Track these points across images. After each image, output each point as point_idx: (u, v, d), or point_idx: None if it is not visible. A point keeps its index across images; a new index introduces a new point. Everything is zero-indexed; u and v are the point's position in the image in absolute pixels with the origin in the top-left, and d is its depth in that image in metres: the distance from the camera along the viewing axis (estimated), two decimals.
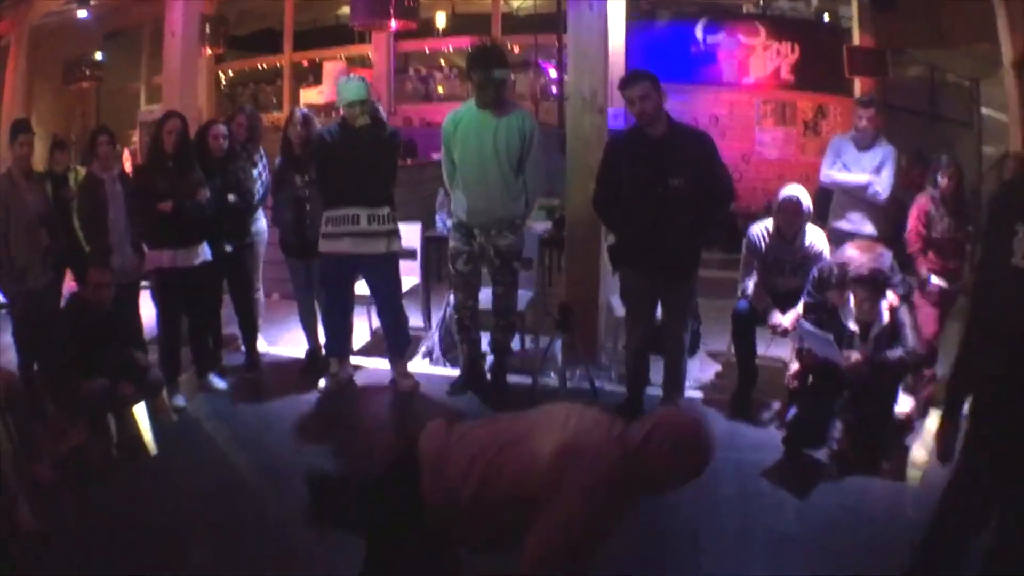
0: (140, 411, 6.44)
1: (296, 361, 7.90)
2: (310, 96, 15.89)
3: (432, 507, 3.37)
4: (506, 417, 3.74)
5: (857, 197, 7.73)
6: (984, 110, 15.11)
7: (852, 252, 6.37)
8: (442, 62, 17.12)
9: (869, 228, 7.68)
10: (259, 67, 17.68)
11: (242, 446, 6.20)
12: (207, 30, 13.00)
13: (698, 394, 7.50)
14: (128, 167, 9.08)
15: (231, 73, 17.93)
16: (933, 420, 6.82)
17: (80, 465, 5.73)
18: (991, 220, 3.61)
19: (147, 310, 7.09)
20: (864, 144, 7.73)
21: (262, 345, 7.98)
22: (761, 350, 7.44)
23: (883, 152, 7.66)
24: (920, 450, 6.52)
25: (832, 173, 7.88)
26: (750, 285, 7.18)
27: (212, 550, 4.90)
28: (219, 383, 7.23)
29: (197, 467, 5.87)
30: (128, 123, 15.39)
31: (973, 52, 14.05)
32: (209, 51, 13.82)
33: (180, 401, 6.82)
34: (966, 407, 3.91)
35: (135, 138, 15.13)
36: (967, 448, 3.78)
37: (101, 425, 6.08)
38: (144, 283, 7.01)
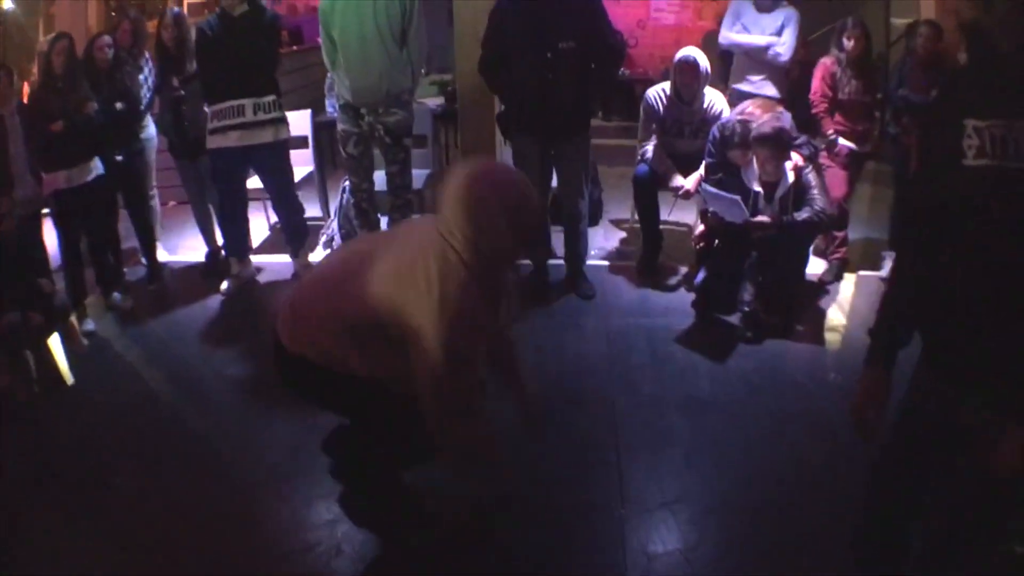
0: (53, 341, 6.26)
1: (197, 266, 7.69)
2: None
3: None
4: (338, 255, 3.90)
5: (758, 59, 7.61)
6: None
7: (752, 110, 6.27)
8: None
9: (770, 90, 7.57)
10: None
11: (154, 362, 6.02)
12: None
13: (604, 262, 7.44)
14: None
15: None
16: (848, 282, 6.86)
17: (5, 404, 5.52)
18: (934, 116, 3.19)
19: (49, 238, 6.76)
20: (764, 6, 7.58)
21: (162, 254, 7.74)
22: (664, 214, 7.41)
23: (784, 14, 7.52)
24: (836, 312, 6.55)
25: (731, 35, 7.72)
26: (649, 149, 7.06)
27: (142, 468, 4.74)
28: (123, 300, 6.97)
29: (114, 391, 5.65)
30: (29, 57, 14.87)
31: None
32: None
33: (89, 325, 6.59)
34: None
35: (34, 69, 14.62)
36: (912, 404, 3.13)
37: (20, 359, 5.89)
38: (45, 211, 6.69)
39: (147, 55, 7.29)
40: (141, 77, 7.12)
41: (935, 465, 3.00)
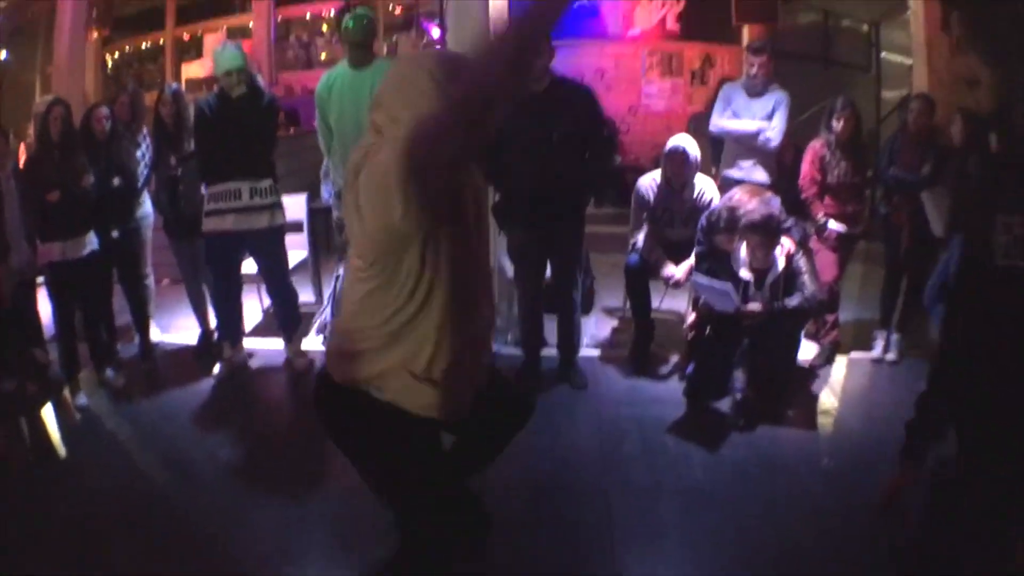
0: (47, 412, 6.29)
1: (190, 347, 7.67)
2: (192, 70, 15.60)
3: None
4: None
5: (748, 145, 7.63)
6: (883, 54, 15.23)
7: (740, 196, 6.32)
8: (324, 27, 16.75)
9: (760, 175, 7.59)
10: (143, 46, 17.17)
11: (145, 442, 5.99)
12: (94, 14, 12.65)
13: (595, 352, 7.41)
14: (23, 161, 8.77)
15: (117, 55, 17.39)
16: (840, 365, 6.86)
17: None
18: (967, 214, 3.19)
19: (44, 307, 6.79)
20: (755, 91, 7.63)
21: (155, 333, 7.75)
22: (656, 303, 7.42)
23: (775, 98, 7.56)
24: (829, 396, 6.54)
25: (722, 122, 7.78)
26: (640, 238, 7.09)
27: (133, 549, 4.68)
28: (116, 377, 6.95)
29: (107, 468, 5.62)
30: (26, 116, 15.00)
31: None
32: (96, 34, 13.46)
33: (82, 400, 6.58)
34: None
35: (30, 131, 14.75)
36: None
37: (15, 428, 5.96)
38: (40, 279, 6.73)
39: (144, 131, 7.34)
40: (138, 153, 7.17)
41: None
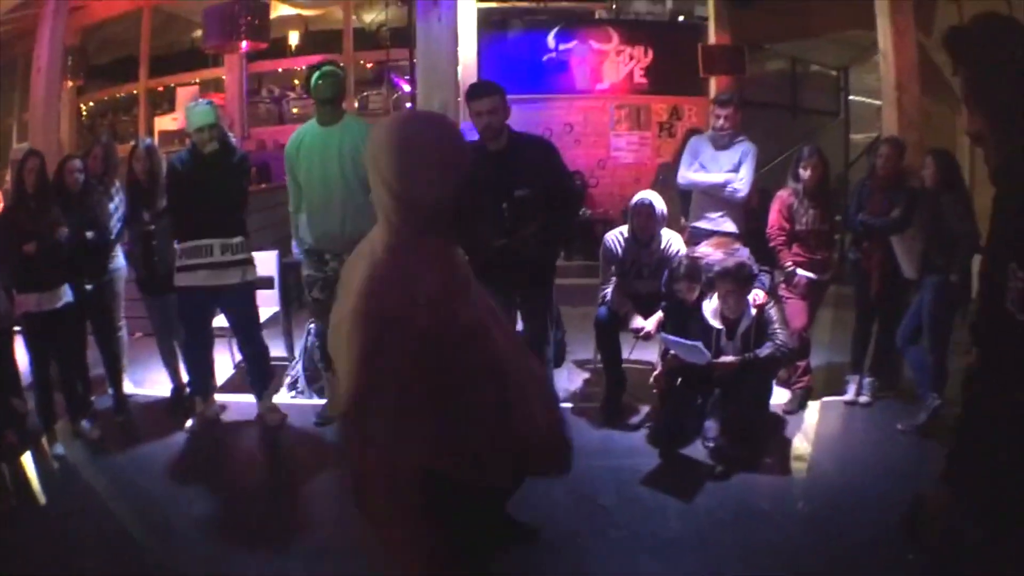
0: (27, 460, 6.30)
1: (163, 400, 7.63)
2: (164, 123, 15.48)
3: None
4: None
5: (716, 196, 7.68)
6: (852, 97, 15.36)
7: (706, 249, 6.38)
8: (296, 82, 16.73)
9: (729, 226, 7.63)
10: (118, 96, 17.08)
11: (120, 495, 5.90)
12: (69, 62, 12.64)
13: (567, 405, 7.35)
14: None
15: (91, 104, 17.28)
16: (812, 410, 6.86)
17: None
18: (988, 262, 3.11)
19: (21, 356, 6.78)
20: (722, 143, 7.69)
21: (128, 386, 7.69)
22: (626, 354, 7.44)
23: (742, 150, 7.62)
24: (802, 441, 6.54)
25: (689, 174, 7.82)
26: (609, 291, 7.12)
27: None
28: (91, 429, 6.89)
29: (83, 521, 5.53)
30: (3, 162, 14.94)
31: (841, 40, 14.25)
32: (71, 83, 13.45)
33: (59, 450, 6.58)
34: None
35: (8, 177, 14.71)
36: None
37: None
38: (16, 328, 6.70)
39: (117, 184, 7.31)
40: (111, 206, 7.13)
41: None
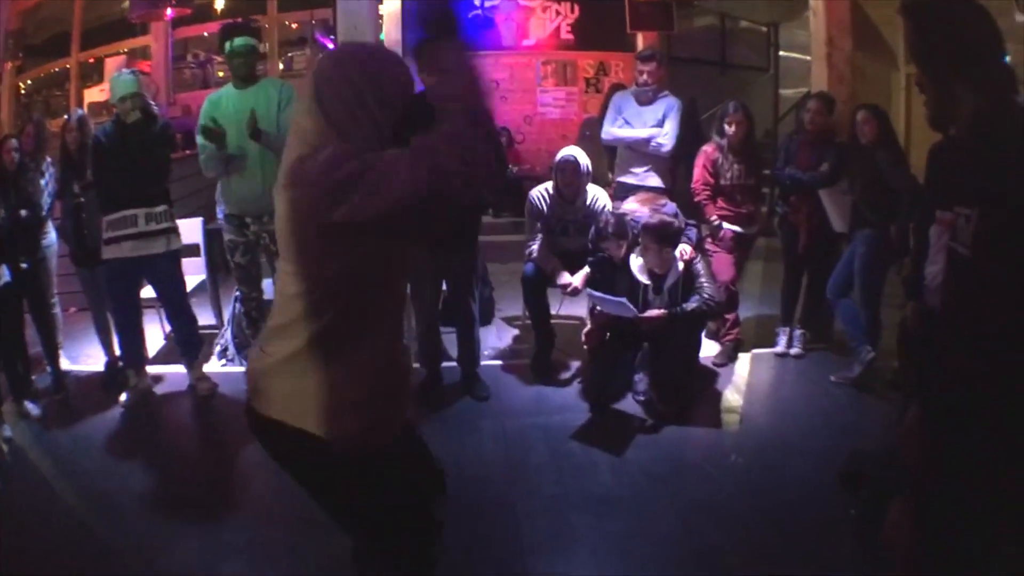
0: None
1: (99, 375, 7.50)
2: (93, 95, 15.29)
3: None
4: None
5: (641, 151, 7.66)
6: (782, 53, 15.40)
7: (632, 205, 6.36)
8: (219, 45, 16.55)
9: (654, 180, 7.64)
10: (53, 71, 16.88)
11: (63, 474, 5.79)
12: (9, 45, 12.41)
13: (497, 362, 7.39)
14: None
15: (29, 82, 17.10)
16: (743, 362, 6.88)
17: None
18: (927, 202, 3.46)
19: None
20: (646, 99, 7.67)
21: (65, 363, 7.56)
22: (555, 310, 7.42)
23: (666, 104, 7.61)
24: (733, 393, 6.58)
25: (613, 130, 7.81)
26: (536, 248, 7.06)
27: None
28: (34, 409, 6.80)
29: (29, 498, 5.48)
30: None
31: None
32: (9, 65, 13.21)
33: (6, 431, 6.39)
34: None
35: None
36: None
37: None
38: None
39: (48, 160, 7.21)
40: (43, 182, 7.04)
41: None
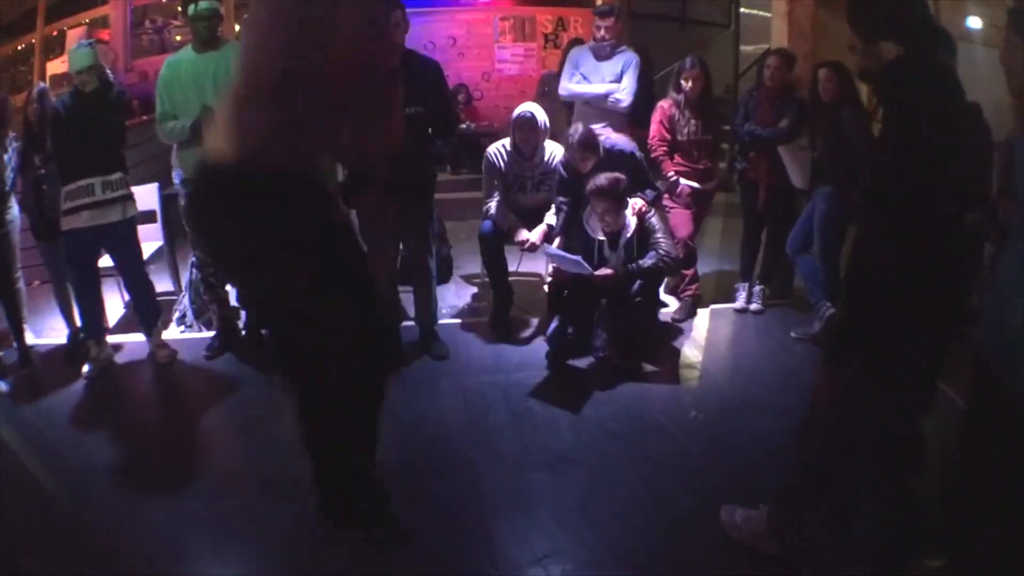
0: None
1: (62, 348, 7.44)
2: (55, 67, 15.17)
3: None
4: None
5: (599, 107, 7.67)
6: (743, 10, 15.36)
7: (602, 130, 6.65)
8: (179, 9, 16.38)
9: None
10: (19, 48, 16.67)
11: (31, 448, 5.76)
12: None
13: (456, 320, 7.38)
14: None
15: None
16: (702, 318, 6.88)
17: None
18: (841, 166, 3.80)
19: None
20: (604, 54, 7.69)
21: (30, 337, 7.48)
22: (513, 267, 7.42)
23: (624, 59, 7.63)
24: (692, 349, 6.60)
25: (571, 86, 7.84)
26: (493, 205, 7.05)
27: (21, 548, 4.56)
28: (2, 386, 6.77)
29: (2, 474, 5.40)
30: None
31: None
32: None
33: None
34: None
35: None
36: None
37: None
38: None
39: (12, 135, 7.09)
40: (5, 157, 6.92)
41: None
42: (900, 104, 3.21)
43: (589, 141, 6.42)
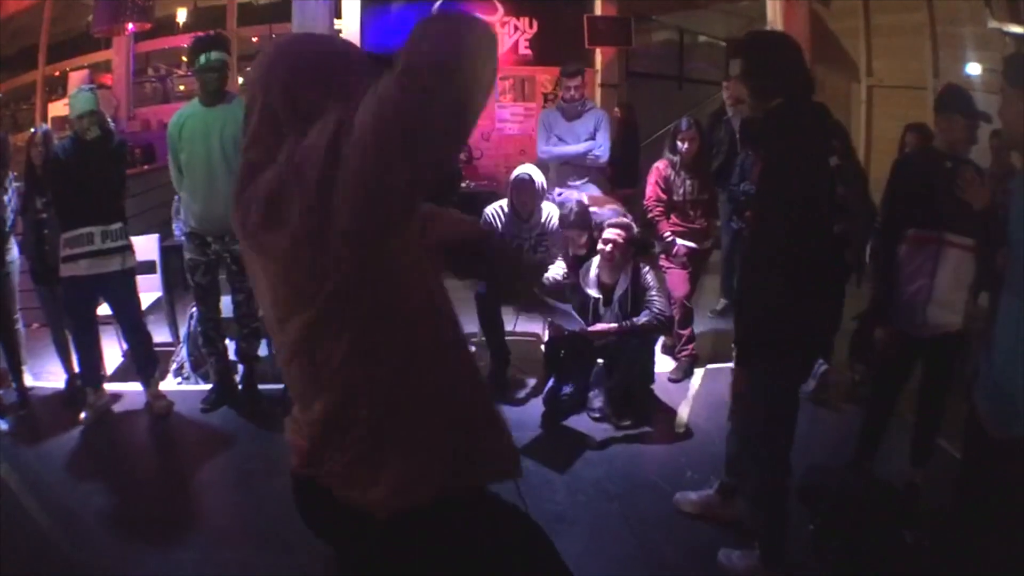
0: None
1: (61, 392, 7.46)
2: (57, 109, 15.20)
3: None
4: None
5: (579, 164, 7.94)
6: None
7: (594, 208, 6.48)
8: (183, 59, 16.44)
9: (594, 191, 7.92)
10: (20, 85, 16.74)
11: (28, 489, 5.74)
12: None
13: None
14: None
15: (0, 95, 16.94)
16: (697, 379, 6.88)
17: None
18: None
19: None
20: (574, 113, 7.95)
21: (28, 379, 7.50)
22: (510, 327, 7.43)
23: (594, 117, 7.93)
24: (688, 409, 6.60)
25: (550, 148, 8.05)
26: None
27: None
28: (1, 424, 6.82)
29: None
30: None
31: (729, 10, 14.36)
32: None
33: None
34: None
35: None
36: None
37: None
38: None
39: (12, 175, 7.16)
40: (5, 198, 6.97)
41: None
42: (778, 142, 3.91)
43: (584, 220, 6.57)
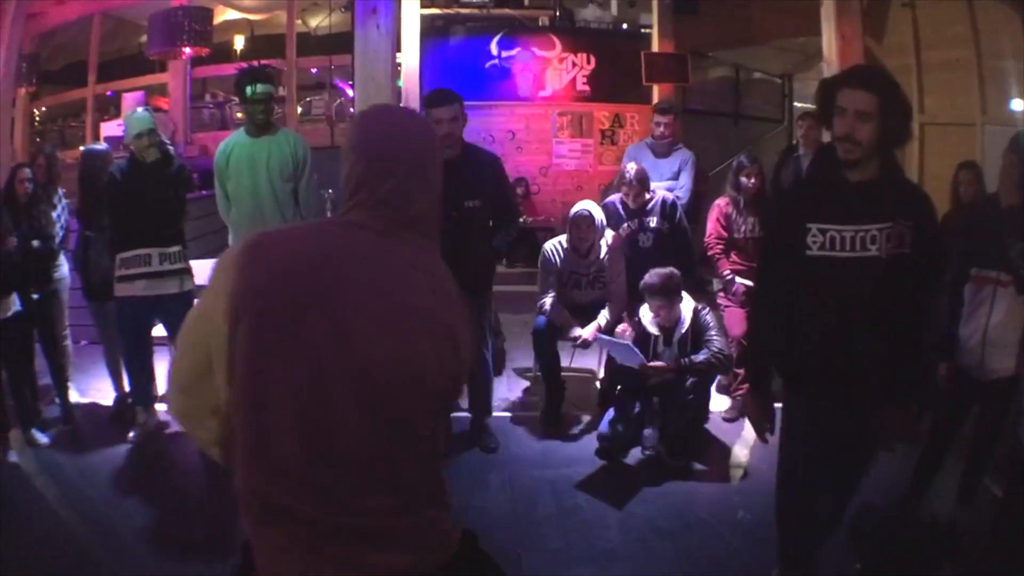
0: None
1: (108, 409, 7.52)
2: (110, 129, 15.28)
3: None
4: None
5: None
6: (797, 104, 15.44)
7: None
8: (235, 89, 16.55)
9: None
10: (68, 101, 16.88)
11: (69, 504, 5.84)
12: (23, 69, 12.48)
13: (506, 414, 7.35)
14: None
15: (44, 109, 17.08)
16: None
17: None
18: (782, 217, 4.18)
19: None
20: (662, 151, 7.83)
21: (74, 395, 7.60)
22: (566, 363, 7.37)
23: (681, 158, 7.78)
24: (742, 448, 6.54)
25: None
26: (548, 301, 7.07)
27: None
28: (42, 438, 6.85)
29: (34, 527, 5.53)
30: None
31: (785, 47, 14.35)
32: (23, 90, 13.28)
33: (13, 457, 6.49)
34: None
35: None
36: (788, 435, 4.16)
37: None
38: None
39: (61, 191, 7.28)
40: (54, 214, 7.10)
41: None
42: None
43: (645, 177, 6.82)
